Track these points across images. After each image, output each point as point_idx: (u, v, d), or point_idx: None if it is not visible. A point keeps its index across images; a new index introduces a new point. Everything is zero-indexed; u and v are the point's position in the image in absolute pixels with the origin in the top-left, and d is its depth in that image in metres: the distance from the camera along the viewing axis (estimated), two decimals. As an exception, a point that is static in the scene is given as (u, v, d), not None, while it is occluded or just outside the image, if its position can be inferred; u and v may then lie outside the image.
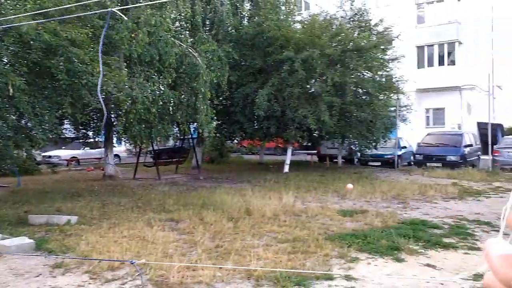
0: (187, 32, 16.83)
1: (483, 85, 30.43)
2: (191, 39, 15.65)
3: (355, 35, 17.95)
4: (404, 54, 20.65)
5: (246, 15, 19.00)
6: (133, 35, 11.73)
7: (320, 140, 21.27)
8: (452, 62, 27.82)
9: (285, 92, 16.61)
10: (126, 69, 12.48)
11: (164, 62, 12.68)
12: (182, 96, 14.39)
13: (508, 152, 18.48)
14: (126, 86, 11.67)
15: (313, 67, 16.13)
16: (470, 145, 20.59)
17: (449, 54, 27.91)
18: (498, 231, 0.57)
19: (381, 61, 17.77)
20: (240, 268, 5.39)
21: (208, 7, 17.27)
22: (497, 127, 30.00)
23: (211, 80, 14.48)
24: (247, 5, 19.09)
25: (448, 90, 27.56)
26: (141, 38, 11.57)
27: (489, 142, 19.20)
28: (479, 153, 21.80)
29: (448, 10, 27.78)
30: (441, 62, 28.06)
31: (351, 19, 19.41)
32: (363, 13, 19.36)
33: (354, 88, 17.55)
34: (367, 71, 17.71)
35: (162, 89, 13.57)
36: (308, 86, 17.32)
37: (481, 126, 29.30)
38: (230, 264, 5.56)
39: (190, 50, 14.25)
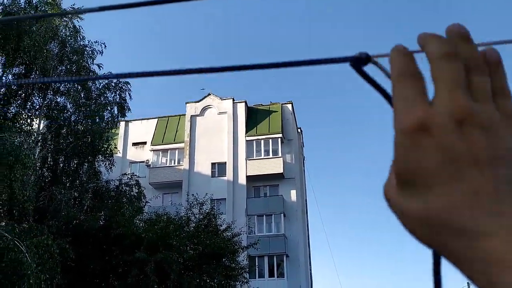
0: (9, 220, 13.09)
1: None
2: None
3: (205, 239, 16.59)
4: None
5: (88, 206, 16.15)
6: None
7: None
8: (281, 275, 28.17)
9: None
10: None
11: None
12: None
13: None
14: None
15: (166, 272, 13.73)
16: None
17: (278, 265, 28.42)
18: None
19: (238, 268, 16.41)
20: None
21: (42, 193, 14.23)
22: None
23: (39, 284, 10.77)
24: (88, 196, 16.40)
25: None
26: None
27: None
28: None
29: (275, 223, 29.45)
30: (271, 274, 28.16)
31: (200, 223, 18.29)
32: (211, 217, 18.56)
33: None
34: (224, 279, 15.92)
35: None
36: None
37: None
38: None
39: (17, 243, 10.74)
